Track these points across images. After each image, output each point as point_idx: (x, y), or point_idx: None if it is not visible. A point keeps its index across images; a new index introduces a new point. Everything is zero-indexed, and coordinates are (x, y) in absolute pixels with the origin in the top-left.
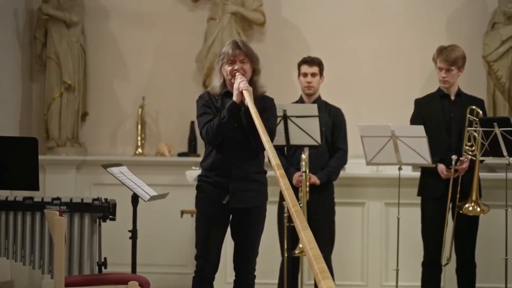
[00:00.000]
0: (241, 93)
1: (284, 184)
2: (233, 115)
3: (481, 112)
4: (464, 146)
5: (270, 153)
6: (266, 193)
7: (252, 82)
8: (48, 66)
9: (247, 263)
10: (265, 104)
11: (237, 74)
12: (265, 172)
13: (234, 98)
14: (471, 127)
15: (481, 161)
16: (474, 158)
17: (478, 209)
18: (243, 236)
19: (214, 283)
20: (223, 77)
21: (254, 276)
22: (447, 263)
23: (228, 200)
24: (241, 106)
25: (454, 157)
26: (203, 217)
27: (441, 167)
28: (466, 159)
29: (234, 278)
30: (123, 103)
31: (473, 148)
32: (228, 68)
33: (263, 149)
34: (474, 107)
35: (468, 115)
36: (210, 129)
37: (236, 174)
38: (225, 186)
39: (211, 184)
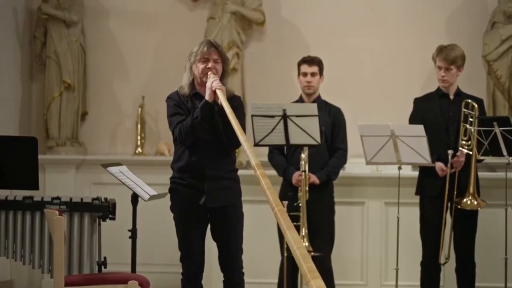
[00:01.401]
0: (214, 92)
1: (265, 183)
2: (206, 114)
3: (476, 105)
4: (460, 141)
5: (249, 153)
6: (240, 190)
7: (222, 83)
8: (48, 66)
9: (233, 262)
10: (233, 104)
11: (209, 73)
12: (237, 170)
13: (207, 97)
14: (467, 122)
15: (480, 161)
16: (470, 153)
17: (476, 203)
18: (224, 235)
19: (207, 283)
20: (193, 75)
21: (243, 273)
22: (445, 262)
23: (204, 200)
24: (214, 105)
25: (450, 151)
26: (181, 220)
27: (438, 165)
28: (462, 154)
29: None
30: (123, 103)
31: (469, 142)
32: (201, 66)
33: (236, 147)
34: (469, 101)
35: (463, 109)
36: (182, 129)
37: (210, 174)
38: (199, 187)
39: (185, 186)
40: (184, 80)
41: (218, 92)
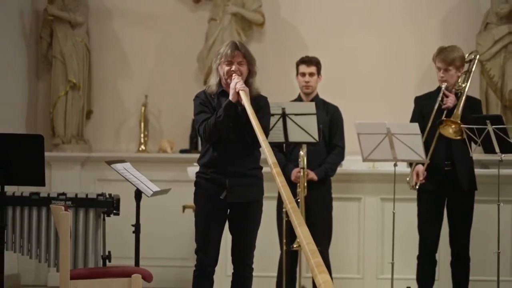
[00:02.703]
0: (237, 93)
1: (280, 181)
2: (229, 114)
3: (477, 55)
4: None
5: (267, 152)
6: (262, 188)
7: (247, 83)
8: (54, 65)
9: (244, 256)
10: (259, 103)
11: (233, 75)
12: (261, 168)
13: (230, 97)
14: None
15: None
16: (461, 92)
17: (452, 132)
18: (240, 230)
19: (215, 276)
20: (220, 76)
21: (252, 269)
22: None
23: (225, 195)
24: (237, 105)
25: (444, 85)
26: (201, 213)
27: (419, 167)
28: (452, 94)
29: (232, 271)
30: (127, 102)
31: (464, 84)
32: (225, 68)
33: (259, 146)
34: (475, 51)
35: (467, 56)
36: (207, 127)
37: (232, 171)
38: (222, 182)
39: (208, 180)
40: (211, 80)
41: (241, 93)
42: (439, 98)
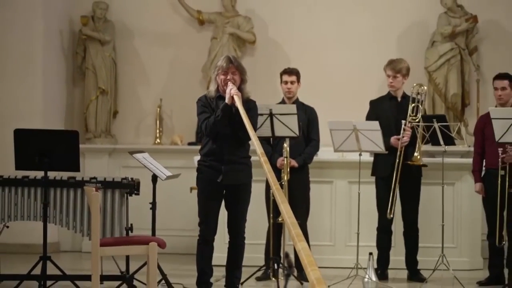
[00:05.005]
0: (232, 97)
1: (267, 168)
2: (225, 114)
3: (425, 87)
4: (407, 117)
5: (256, 144)
6: (251, 173)
7: (240, 89)
8: (87, 75)
9: (238, 228)
10: (249, 106)
11: (229, 82)
12: (250, 156)
13: (226, 101)
14: (415, 101)
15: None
16: (417, 125)
17: (420, 158)
18: (234, 207)
19: (214, 243)
20: (217, 83)
21: (244, 238)
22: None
23: (221, 178)
24: (232, 107)
25: (403, 121)
26: (202, 193)
27: (393, 139)
28: (409, 129)
29: (228, 239)
30: (145, 104)
31: (417, 118)
32: (222, 77)
33: (249, 139)
34: (419, 84)
35: (412, 90)
36: (207, 125)
37: (227, 159)
38: (218, 168)
39: (207, 167)
40: (211, 87)
41: (235, 98)
42: (402, 132)
